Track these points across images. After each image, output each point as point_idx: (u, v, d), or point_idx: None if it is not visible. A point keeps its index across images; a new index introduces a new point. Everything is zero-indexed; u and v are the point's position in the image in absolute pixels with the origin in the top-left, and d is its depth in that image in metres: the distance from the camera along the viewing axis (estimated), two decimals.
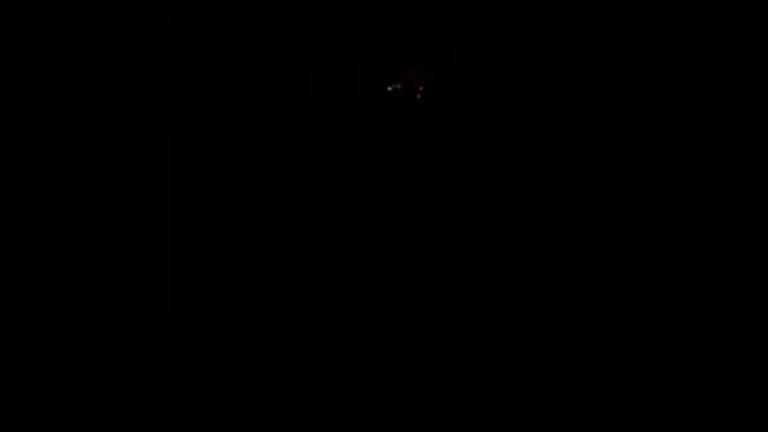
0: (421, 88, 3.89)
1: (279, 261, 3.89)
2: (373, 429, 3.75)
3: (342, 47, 4.02)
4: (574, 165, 3.99)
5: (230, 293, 3.85)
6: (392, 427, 3.75)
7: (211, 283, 3.86)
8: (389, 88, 3.87)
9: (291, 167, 3.95)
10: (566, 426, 3.77)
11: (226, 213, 3.92)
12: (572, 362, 3.84)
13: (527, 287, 3.90)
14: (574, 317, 3.89)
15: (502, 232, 3.94)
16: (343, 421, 3.75)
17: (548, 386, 3.81)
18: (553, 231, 3.94)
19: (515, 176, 3.98)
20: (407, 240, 3.92)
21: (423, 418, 3.77)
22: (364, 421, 3.75)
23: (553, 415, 3.78)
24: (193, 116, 3.97)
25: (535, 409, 3.79)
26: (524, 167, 3.98)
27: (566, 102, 4.02)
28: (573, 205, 3.96)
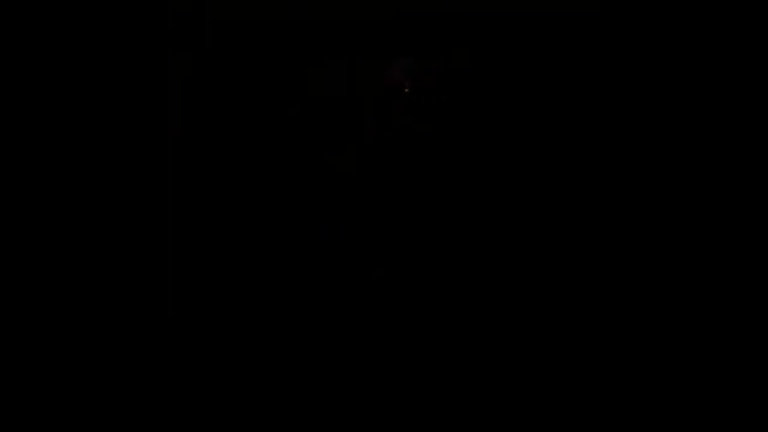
0: (407, 86, 3.88)
1: (279, 261, 3.89)
2: (373, 429, 3.75)
3: (342, 47, 4.02)
4: (574, 165, 3.99)
5: (230, 293, 3.86)
6: (392, 427, 3.75)
7: (212, 283, 3.86)
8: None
9: (291, 167, 3.95)
10: (566, 426, 3.77)
11: (227, 213, 3.92)
12: (571, 362, 3.84)
13: (527, 287, 3.90)
14: (573, 317, 3.89)
15: (502, 232, 3.94)
16: (343, 421, 3.75)
17: (548, 386, 3.81)
18: (553, 230, 3.94)
19: (515, 176, 3.98)
20: (407, 240, 3.92)
21: (423, 417, 3.77)
22: (364, 421, 3.76)
23: (553, 415, 3.78)
24: (193, 116, 3.97)
25: (535, 408, 3.79)
26: (524, 167, 3.98)
27: (566, 102, 4.02)
28: (573, 205, 3.96)
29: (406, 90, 3.87)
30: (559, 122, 4.00)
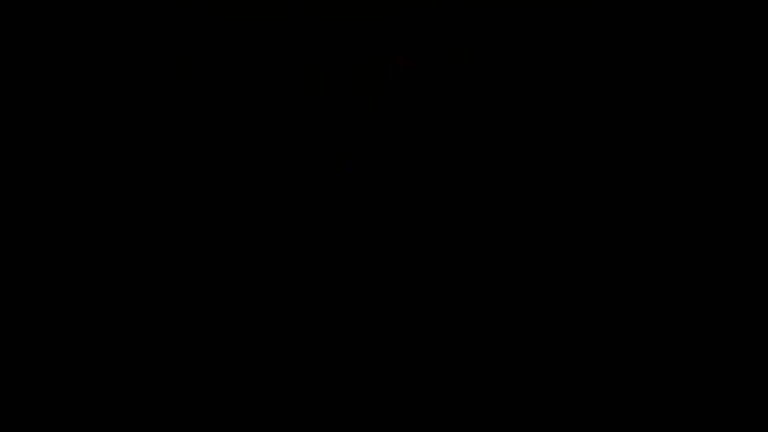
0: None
1: (279, 261, 3.89)
2: (373, 429, 3.75)
3: (342, 47, 4.02)
4: (576, 166, 3.99)
5: (230, 293, 3.86)
6: (392, 428, 3.76)
7: (211, 283, 3.86)
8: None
9: (291, 167, 3.95)
10: (566, 426, 3.77)
11: (226, 213, 3.92)
12: (572, 363, 3.85)
13: (528, 288, 3.90)
14: (574, 318, 3.89)
15: (503, 233, 3.94)
16: (342, 422, 3.75)
17: (548, 387, 3.81)
18: (554, 232, 3.94)
19: (516, 177, 3.98)
20: (407, 240, 3.92)
21: (423, 419, 3.77)
22: (364, 422, 3.76)
23: (553, 415, 3.78)
24: (193, 116, 3.98)
25: (535, 409, 3.79)
26: (525, 168, 3.98)
27: (567, 103, 4.02)
28: (574, 207, 3.96)
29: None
30: (561, 123, 4.00)
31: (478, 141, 3.99)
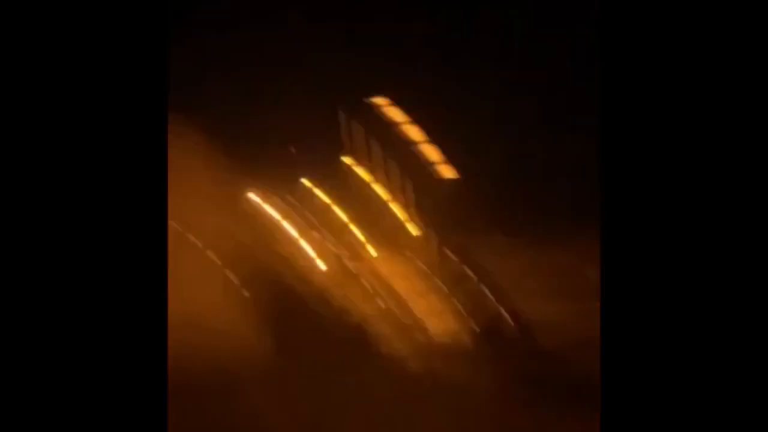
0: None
1: (279, 260, 3.90)
2: (373, 429, 3.75)
3: (342, 47, 4.03)
4: (576, 166, 3.99)
5: (230, 292, 3.86)
6: (393, 427, 3.75)
7: (211, 282, 3.86)
8: None
9: (291, 167, 3.96)
10: (567, 425, 3.77)
11: (226, 213, 3.93)
12: (573, 363, 3.85)
13: (527, 288, 3.91)
14: (576, 318, 3.89)
15: (503, 233, 3.95)
16: (343, 421, 3.75)
17: (550, 385, 3.81)
18: (554, 232, 3.95)
19: (516, 177, 3.99)
20: (409, 239, 3.93)
21: (423, 418, 3.77)
22: (364, 421, 3.76)
23: (554, 414, 3.78)
24: (193, 116, 3.98)
25: (535, 406, 3.79)
26: (525, 167, 3.99)
27: (567, 102, 4.02)
28: (574, 206, 3.96)
29: None
30: (561, 123, 4.01)
31: (477, 140, 3.99)
